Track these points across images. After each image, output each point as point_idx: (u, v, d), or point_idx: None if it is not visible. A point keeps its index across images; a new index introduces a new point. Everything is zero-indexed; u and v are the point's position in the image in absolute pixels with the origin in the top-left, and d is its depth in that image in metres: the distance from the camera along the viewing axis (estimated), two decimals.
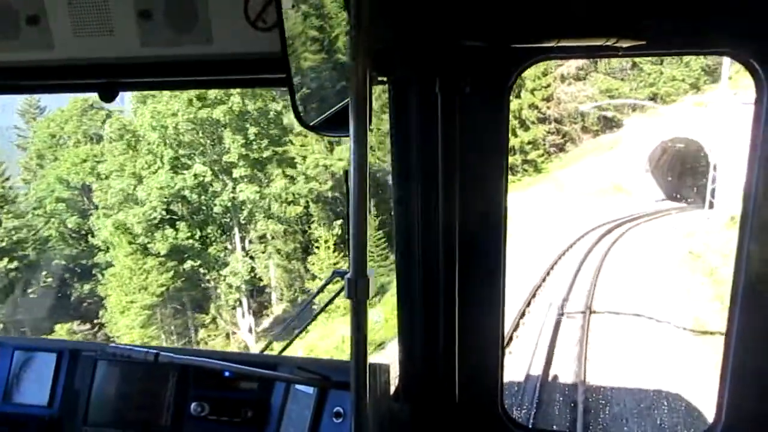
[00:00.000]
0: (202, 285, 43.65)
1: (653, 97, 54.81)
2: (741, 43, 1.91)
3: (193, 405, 2.49)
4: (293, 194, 47.64)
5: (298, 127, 45.56)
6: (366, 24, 1.44)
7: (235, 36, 2.05)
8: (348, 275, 1.54)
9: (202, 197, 41.78)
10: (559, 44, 1.95)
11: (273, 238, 47.91)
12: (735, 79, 52.22)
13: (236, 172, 41.97)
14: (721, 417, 2.22)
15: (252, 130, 42.42)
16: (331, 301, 2.88)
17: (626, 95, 56.50)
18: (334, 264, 41.38)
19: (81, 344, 2.84)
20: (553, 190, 45.95)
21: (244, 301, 44.16)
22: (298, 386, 2.43)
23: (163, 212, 40.24)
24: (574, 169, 49.56)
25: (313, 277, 43.84)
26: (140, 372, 2.59)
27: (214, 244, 43.00)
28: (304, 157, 47.68)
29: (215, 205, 41.83)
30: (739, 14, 1.86)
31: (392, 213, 2.29)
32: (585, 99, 54.95)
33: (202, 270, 42.48)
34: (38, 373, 2.73)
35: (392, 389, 2.47)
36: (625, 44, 1.87)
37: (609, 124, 57.36)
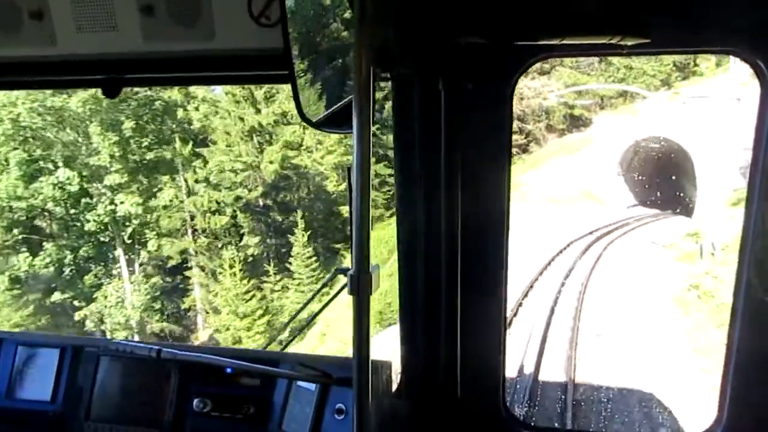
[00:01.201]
0: (76, 322, 35.05)
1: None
2: (746, 41, 1.91)
3: (195, 401, 2.50)
4: (216, 202, 40.85)
5: (200, 122, 41.10)
6: (369, 21, 1.44)
7: (238, 32, 2.03)
8: (350, 271, 1.49)
9: (73, 211, 33.94)
10: (563, 42, 1.93)
11: (197, 253, 41.10)
12: (707, 75, 49.14)
13: (109, 179, 34.15)
14: (723, 417, 2.22)
15: (128, 125, 34.38)
16: (333, 298, 2.70)
17: (594, 92, 52.42)
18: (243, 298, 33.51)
19: (84, 340, 2.98)
20: (514, 199, 40.26)
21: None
22: (299, 383, 2.44)
23: (24, 230, 32.09)
24: (538, 173, 44.96)
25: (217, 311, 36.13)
26: (143, 368, 2.59)
27: (92, 268, 35.05)
28: (206, 161, 40.42)
29: (88, 221, 34.01)
30: (744, 13, 1.87)
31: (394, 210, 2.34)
32: (548, 94, 49.96)
33: (76, 303, 34.38)
34: (41, 368, 2.72)
35: (394, 386, 2.47)
36: (629, 42, 1.85)
37: (576, 122, 52.75)
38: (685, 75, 53.21)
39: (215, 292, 34.62)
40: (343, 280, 1.87)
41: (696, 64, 52.26)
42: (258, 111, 41.00)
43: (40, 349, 2.76)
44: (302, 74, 1.89)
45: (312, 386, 2.39)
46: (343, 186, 42.47)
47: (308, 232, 36.87)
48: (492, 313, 2.36)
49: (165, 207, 35.91)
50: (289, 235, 37.57)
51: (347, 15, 1.92)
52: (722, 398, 2.22)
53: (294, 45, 1.80)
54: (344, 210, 42.28)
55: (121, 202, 34.13)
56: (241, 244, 42.28)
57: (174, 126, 38.11)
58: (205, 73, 2.27)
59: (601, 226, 32.93)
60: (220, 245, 41.10)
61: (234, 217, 42.20)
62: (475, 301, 2.34)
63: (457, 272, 2.29)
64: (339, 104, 1.93)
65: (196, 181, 41.77)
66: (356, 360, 1.49)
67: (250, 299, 31.94)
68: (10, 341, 2.80)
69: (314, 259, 35.54)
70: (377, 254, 36.20)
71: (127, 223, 34.92)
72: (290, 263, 35.61)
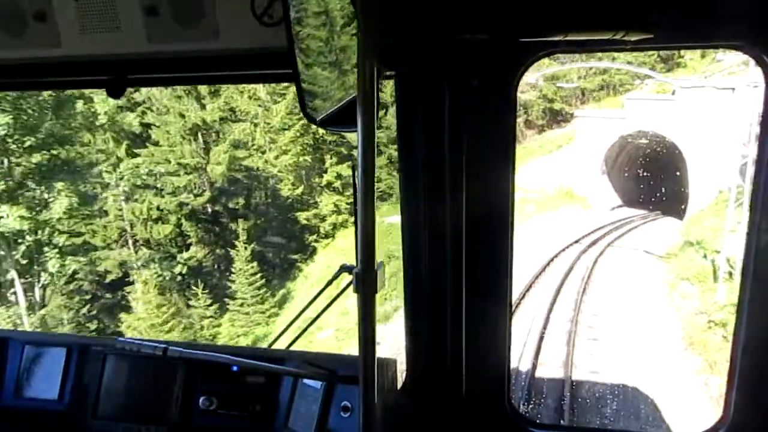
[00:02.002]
0: None
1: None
2: (751, 36, 1.90)
3: (201, 399, 2.51)
4: (158, 208, 36.16)
5: (107, 118, 34.34)
6: (373, 18, 1.45)
7: (241, 31, 2.04)
8: (355, 269, 1.51)
9: None
10: (567, 38, 1.93)
11: (143, 266, 36.36)
12: (691, 66, 46.16)
13: None
14: (729, 415, 2.22)
15: (4, 121, 28.00)
16: (338, 296, 2.56)
17: (573, 83, 48.97)
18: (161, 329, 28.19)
19: (90, 339, 2.98)
20: None
21: None
22: (305, 381, 2.44)
23: None
24: (516, 175, 40.35)
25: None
26: (149, 366, 2.60)
27: None
28: (116, 165, 35.45)
29: None
30: (749, 7, 1.86)
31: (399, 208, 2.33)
32: (527, 88, 46.15)
33: None
34: (48, 367, 2.73)
35: (399, 384, 2.48)
36: (633, 38, 1.85)
37: (557, 117, 49.16)
38: (669, 67, 50.19)
39: (128, 323, 29.37)
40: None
41: (680, 55, 49.14)
42: (203, 107, 36.43)
43: (46, 348, 2.75)
44: (306, 73, 1.91)
45: (318, 384, 2.38)
46: (300, 190, 38.01)
47: (252, 245, 32.25)
48: (496, 310, 2.36)
49: (69, 217, 30.52)
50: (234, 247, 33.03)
51: (350, 13, 1.87)
52: (728, 396, 2.22)
53: (297, 43, 1.81)
54: (302, 216, 37.84)
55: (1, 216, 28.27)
56: (187, 256, 37.71)
57: (76, 122, 32.60)
58: (209, 72, 2.30)
59: (587, 233, 29.05)
60: (159, 257, 36.37)
61: (179, 225, 37.56)
62: (480, 298, 2.33)
63: (462, 270, 2.28)
64: (343, 102, 1.94)
65: (136, 186, 37.07)
66: (362, 357, 1.52)
67: (170, 331, 27.07)
68: (17, 341, 2.80)
69: (260, 276, 30.93)
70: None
71: (19, 240, 29.39)
72: (232, 281, 31.00)
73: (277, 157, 36.78)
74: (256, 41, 2.03)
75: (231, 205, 37.44)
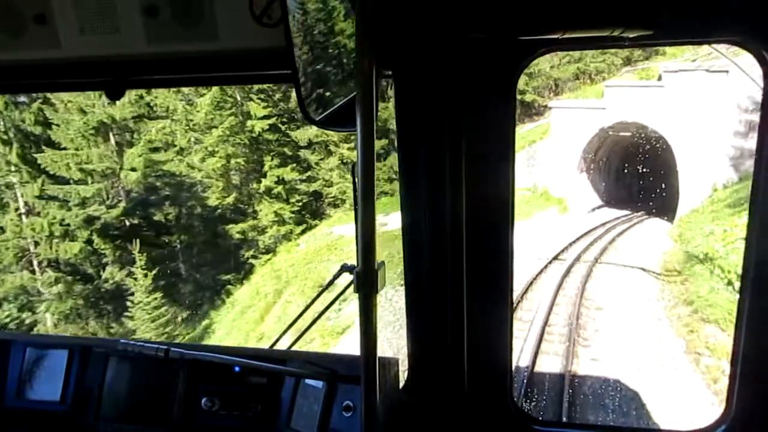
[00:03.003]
0: None
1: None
2: (751, 31, 1.89)
3: (203, 400, 2.50)
4: (62, 223, 30.28)
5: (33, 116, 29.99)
6: (371, 18, 1.48)
7: (240, 32, 2.04)
8: (356, 269, 1.53)
9: None
10: (565, 36, 1.94)
11: (52, 282, 30.51)
12: (671, 52, 42.63)
13: None
14: (731, 410, 2.22)
15: None
16: (339, 296, 2.62)
17: (545, 73, 44.89)
18: None
19: (92, 340, 2.95)
20: None
21: None
22: (307, 380, 2.43)
23: None
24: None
25: None
26: (151, 367, 2.58)
27: None
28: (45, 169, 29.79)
29: None
30: (749, 2, 1.86)
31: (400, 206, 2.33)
32: None
33: None
34: (50, 369, 2.72)
35: (401, 382, 2.49)
36: (631, 34, 1.86)
37: (528, 110, 44.73)
38: (648, 54, 46.21)
39: None
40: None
41: None
42: (112, 102, 30.56)
43: (48, 350, 2.74)
44: (305, 73, 1.95)
45: (319, 384, 2.36)
46: (231, 198, 32.40)
47: (155, 270, 26.51)
48: (498, 307, 2.37)
49: None
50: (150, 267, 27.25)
51: (349, 12, 1.85)
52: (730, 391, 2.22)
53: (296, 44, 1.83)
54: (234, 229, 32.25)
55: None
56: (103, 278, 31.88)
57: None
58: (208, 73, 2.26)
59: (568, 245, 24.16)
60: (66, 281, 30.42)
61: (90, 242, 31.69)
62: (482, 296, 2.33)
63: (463, 268, 2.28)
64: (342, 102, 1.97)
65: (38, 197, 31.11)
66: (363, 357, 1.54)
67: None
68: (19, 343, 2.80)
69: (164, 309, 25.25)
70: (268, 291, 27.71)
71: None
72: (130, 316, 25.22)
73: (203, 160, 31.13)
74: (256, 42, 2.02)
75: (154, 218, 31.62)
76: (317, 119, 2.02)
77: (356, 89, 1.46)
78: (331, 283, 2.55)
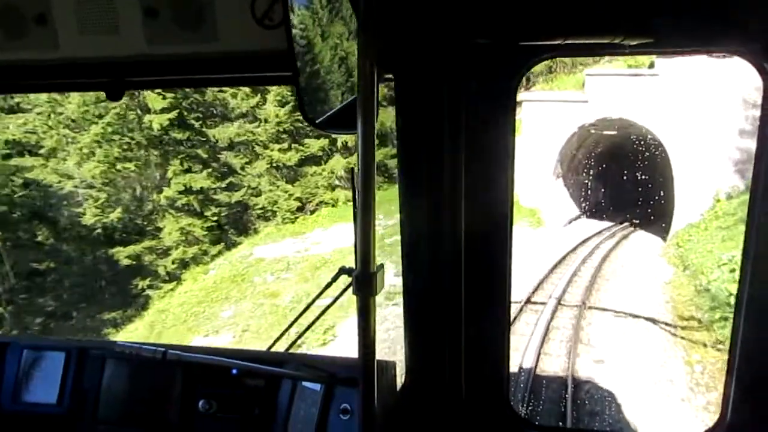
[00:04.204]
0: None
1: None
2: (752, 42, 1.90)
3: (201, 402, 2.49)
4: None
5: None
6: (373, 21, 1.48)
7: (241, 34, 2.05)
8: (355, 271, 1.54)
9: None
10: (566, 42, 1.96)
11: None
12: None
13: None
14: (726, 415, 2.22)
15: None
16: (337, 299, 2.56)
17: None
18: None
19: (89, 342, 2.92)
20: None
21: None
22: (304, 383, 2.43)
23: None
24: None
25: None
26: (148, 370, 2.59)
27: None
28: None
29: None
30: (751, 12, 1.85)
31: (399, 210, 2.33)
32: None
33: None
34: (47, 371, 2.72)
35: (399, 386, 2.49)
36: (632, 42, 1.88)
37: None
38: None
39: None
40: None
41: None
42: None
43: (45, 353, 2.74)
44: (306, 75, 1.93)
45: (317, 386, 2.37)
46: (115, 215, 25.31)
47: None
48: (496, 311, 2.36)
49: None
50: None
51: (351, 15, 1.94)
52: (726, 398, 2.22)
53: (297, 46, 1.83)
54: (122, 253, 25.26)
55: None
56: None
57: None
58: (209, 75, 2.27)
59: (541, 281, 18.06)
60: None
61: None
62: (479, 300, 2.33)
63: (462, 272, 2.28)
64: (343, 104, 1.98)
65: None
66: (362, 360, 1.55)
67: None
68: (16, 345, 2.79)
69: None
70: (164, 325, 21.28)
71: None
72: None
73: (78, 165, 23.98)
74: (257, 44, 2.02)
75: (14, 241, 24.34)
76: (318, 122, 1.98)
77: (357, 92, 1.47)
78: (329, 285, 2.44)
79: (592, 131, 28.68)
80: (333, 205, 32.96)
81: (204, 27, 2.03)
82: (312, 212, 32.90)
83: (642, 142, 27.66)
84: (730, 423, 2.19)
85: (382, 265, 1.56)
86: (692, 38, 1.92)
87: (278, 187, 31.83)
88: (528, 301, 15.82)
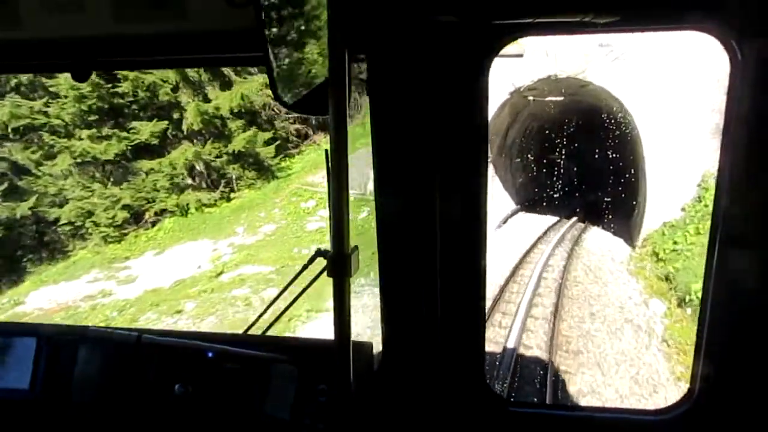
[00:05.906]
0: None
1: None
2: (720, 19, 1.91)
3: (177, 386, 2.46)
4: None
5: None
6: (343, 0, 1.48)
7: (210, 11, 2.00)
8: (329, 253, 1.57)
9: None
10: (537, 20, 1.96)
11: None
12: None
13: None
14: (694, 390, 2.27)
15: None
16: (313, 281, 2.50)
17: None
18: None
19: (62, 327, 2.91)
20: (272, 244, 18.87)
21: None
22: (281, 365, 2.45)
23: None
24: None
25: None
26: (123, 354, 2.56)
27: None
28: None
29: None
30: None
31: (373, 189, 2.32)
32: None
33: None
34: (19, 357, 2.69)
35: (375, 366, 2.50)
36: (601, 20, 1.89)
37: None
38: None
39: None
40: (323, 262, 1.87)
41: None
42: None
43: (17, 338, 2.72)
44: (277, 55, 1.93)
45: (293, 368, 2.40)
46: None
47: None
48: (472, 289, 2.37)
49: None
50: None
51: None
52: (694, 372, 2.26)
53: (267, 25, 1.82)
54: None
55: None
56: None
57: None
58: (177, 55, 2.21)
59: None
60: None
61: None
62: (455, 282, 2.35)
63: (437, 250, 2.28)
64: (314, 85, 1.95)
65: None
66: (337, 341, 1.58)
67: None
68: None
69: None
70: None
71: None
72: None
73: None
74: (226, 23, 1.97)
75: None
76: (291, 104, 1.96)
77: (328, 73, 1.46)
78: (305, 267, 2.41)
79: (530, 98, 21.37)
80: (182, 214, 23.62)
81: (172, 4, 1.97)
82: (154, 224, 23.41)
83: (600, 112, 20.62)
84: (697, 397, 2.24)
85: (356, 247, 1.57)
86: (659, 16, 1.94)
87: (93, 192, 21.98)
88: None
